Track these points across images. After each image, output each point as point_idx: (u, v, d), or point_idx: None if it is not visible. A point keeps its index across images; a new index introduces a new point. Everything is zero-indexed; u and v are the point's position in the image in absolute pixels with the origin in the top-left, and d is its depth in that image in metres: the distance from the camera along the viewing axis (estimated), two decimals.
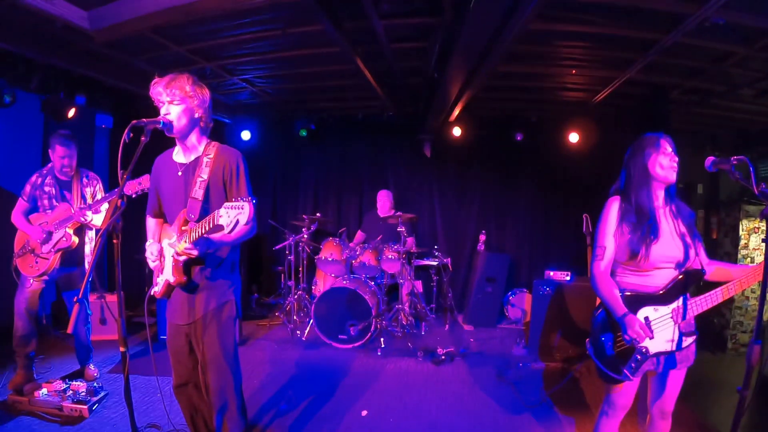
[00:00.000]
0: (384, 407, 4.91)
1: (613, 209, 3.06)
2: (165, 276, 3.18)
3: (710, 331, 6.84)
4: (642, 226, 2.91)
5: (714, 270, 3.05)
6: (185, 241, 2.93)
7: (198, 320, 3.18)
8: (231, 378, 3.26)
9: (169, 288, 3.20)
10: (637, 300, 2.94)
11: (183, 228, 3.01)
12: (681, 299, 2.90)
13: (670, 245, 2.92)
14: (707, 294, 2.88)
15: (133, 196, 3.57)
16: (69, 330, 2.31)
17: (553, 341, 6.26)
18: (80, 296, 2.38)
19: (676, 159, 2.95)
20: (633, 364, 2.89)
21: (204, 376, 3.23)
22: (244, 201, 2.58)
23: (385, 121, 9.11)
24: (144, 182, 3.60)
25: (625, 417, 3.21)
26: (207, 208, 3.01)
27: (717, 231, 7.76)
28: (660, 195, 3.03)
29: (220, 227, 2.62)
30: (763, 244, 3.64)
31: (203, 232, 2.83)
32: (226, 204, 2.60)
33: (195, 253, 2.95)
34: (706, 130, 8.47)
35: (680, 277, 2.92)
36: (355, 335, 6.61)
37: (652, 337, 2.86)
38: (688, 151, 7.96)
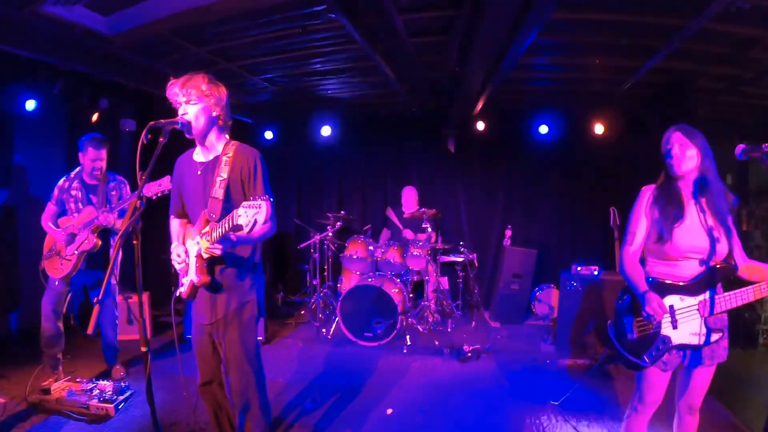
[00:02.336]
0: (410, 405, 4.88)
1: (645, 196, 3.08)
2: (189, 276, 3.18)
3: (741, 326, 6.69)
4: (668, 209, 2.93)
5: (750, 268, 2.97)
6: (207, 240, 2.94)
7: (220, 320, 3.18)
8: (253, 377, 3.27)
9: (193, 288, 3.20)
10: (663, 287, 2.94)
11: (204, 228, 3.00)
12: (708, 293, 2.86)
13: (697, 236, 2.88)
14: (738, 291, 2.83)
15: (153, 198, 3.57)
16: (89, 331, 2.32)
17: (582, 337, 6.18)
18: (100, 298, 2.38)
19: (676, 152, 2.93)
20: (654, 352, 2.90)
21: (226, 375, 3.25)
22: (261, 200, 2.58)
23: (408, 117, 9.07)
24: (164, 184, 3.60)
25: (655, 416, 3.17)
26: (228, 207, 3.00)
27: (747, 223, 7.59)
28: (689, 185, 2.99)
29: (239, 227, 2.62)
30: None
31: (224, 231, 2.83)
32: (244, 203, 2.60)
33: (218, 251, 2.95)
34: (734, 118, 8.29)
35: (709, 269, 2.87)
36: (381, 333, 6.59)
37: (675, 327, 2.86)
38: (716, 140, 7.82)
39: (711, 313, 2.84)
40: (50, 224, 4.96)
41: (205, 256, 3.00)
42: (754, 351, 6.35)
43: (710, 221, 2.91)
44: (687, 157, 2.89)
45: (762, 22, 4.67)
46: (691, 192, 2.98)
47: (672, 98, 6.93)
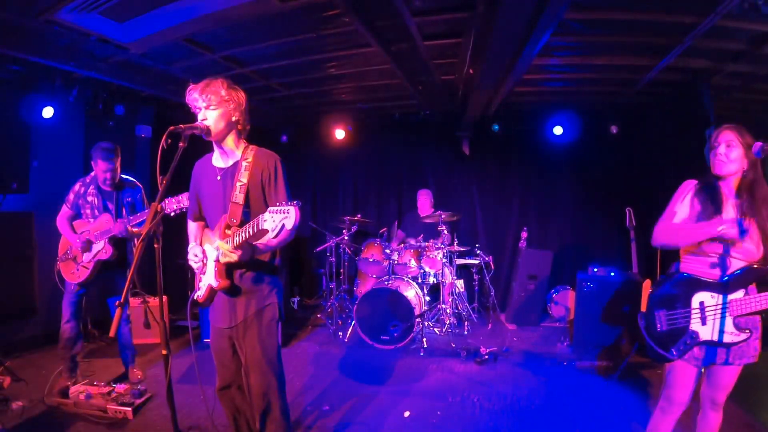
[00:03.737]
0: (427, 408, 4.87)
1: (687, 188, 3.11)
2: (207, 280, 3.19)
3: (763, 326, 6.59)
4: (706, 207, 2.94)
5: None
6: (229, 245, 2.95)
7: (240, 323, 3.19)
8: (274, 380, 3.26)
9: (211, 292, 3.21)
10: (696, 284, 2.95)
11: (227, 232, 3.01)
12: (742, 292, 2.85)
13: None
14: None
15: (172, 215, 3.58)
16: (111, 334, 2.34)
17: (598, 339, 6.15)
18: (122, 300, 2.40)
19: (721, 152, 2.90)
20: (682, 346, 2.92)
21: (247, 378, 3.24)
22: (289, 205, 2.61)
23: (422, 120, 9.08)
24: (182, 201, 3.61)
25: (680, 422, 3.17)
26: (248, 212, 3.02)
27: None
28: (731, 185, 2.98)
29: (265, 231, 2.64)
30: None
31: (247, 236, 2.85)
32: (271, 208, 2.64)
33: (236, 257, 2.96)
34: (750, 116, 8.21)
35: (743, 269, 2.86)
36: (398, 336, 6.58)
37: (704, 323, 2.88)
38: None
39: (742, 312, 2.83)
40: (67, 228, 5.00)
41: (223, 260, 3.01)
42: None
43: (750, 223, 2.88)
44: (731, 159, 2.87)
45: None
46: (733, 192, 2.97)
47: (687, 97, 6.88)
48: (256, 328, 3.19)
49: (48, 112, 6.23)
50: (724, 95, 7.03)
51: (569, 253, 8.81)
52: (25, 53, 5.02)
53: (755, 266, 2.84)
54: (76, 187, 5.04)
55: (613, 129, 8.18)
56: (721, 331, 2.86)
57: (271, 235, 2.64)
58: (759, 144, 2.66)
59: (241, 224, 2.94)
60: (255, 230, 2.76)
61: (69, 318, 4.94)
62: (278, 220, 2.60)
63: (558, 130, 8.41)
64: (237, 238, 2.90)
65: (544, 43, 4.60)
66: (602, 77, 6.85)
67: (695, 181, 3.09)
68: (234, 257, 2.95)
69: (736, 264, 2.87)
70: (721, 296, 2.87)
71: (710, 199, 2.94)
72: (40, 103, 6.17)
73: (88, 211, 5.00)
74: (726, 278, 2.87)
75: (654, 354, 3.04)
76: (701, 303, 2.90)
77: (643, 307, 6.08)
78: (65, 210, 5.03)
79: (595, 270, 6.46)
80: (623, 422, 4.56)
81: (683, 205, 3.06)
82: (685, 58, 5.71)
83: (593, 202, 8.79)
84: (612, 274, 6.38)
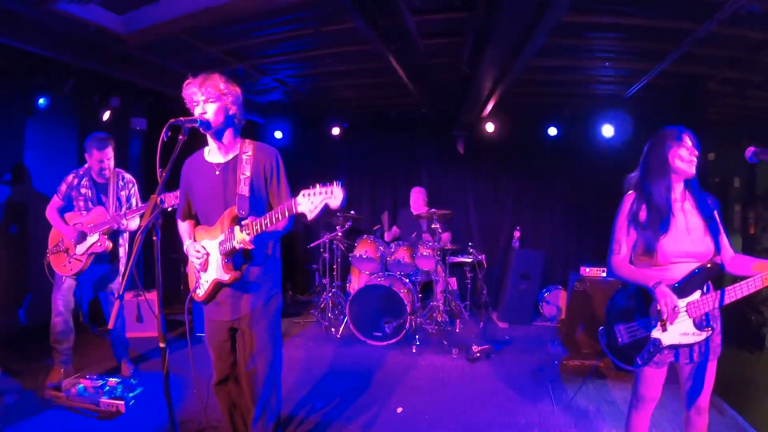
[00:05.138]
0: (419, 404, 4.89)
1: (626, 205, 3.09)
2: (211, 276, 3.20)
3: (748, 329, 6.67)
4: (653, 222, 2.92)
5: (737, 263, 2.96)
6: (246, 233, 2.95)
7: (250, 312, 3.22)
8: (276, 369, 3.38)
9: (216, 288, 3.22)
10: (650, 293, 2.93)
11: (245, 222, 3.00)
12: (698, 293, 2.87)
13: (685, 240, 2.89)
14: (731, 287, 2.81)
15: (169, 209, 3.59)
16: (110, 326, 2.35)
17: (589, 338, 6.18)
18: (121, 292, 2.41)
19: (696, 153, 2.92)
20: (645, 355, 2.92)
21: (250, 368, 3.27)
22: (330, 186, 2.69)
23: (419, 118, 9.10)
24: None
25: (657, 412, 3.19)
26: (253, 203, 3.06)
27: (754, 226, 7.57)
28: (678, 188, 3.00)
29: (302, 215, 2.72)
30: None
31: (273, 222, 2.90)
32: (304, 191, 2.70)
33: (251, 245, 2.98)
34: (744, 122, 8.28)
35: (696, 270, 2.88)
36: (390, 332, 6.60)
37: (665, 329, 2.88)
38: (725, 144, 7.80)
39: (702, 312, 2.85)
40: (58, 219, 4.95)
41: (238, 246, 3.01)
42: (761, 353, 6.34)
43: (699, 221, 2.93)
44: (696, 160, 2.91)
45: None
46: (682, 192, 3.00)
47: (681, 102, 6.93)
48: (265, 318, 3.26)
49: (42, 102, 6.21)
50: (718, 101, 7.09)
51: (561, 253, 8.88)
52: (23, 43, 4.99)
53: (707, 266, 2.87)
54: (69, 178, 4.98)
55: (608, 131, 8.22)
56: (684, 334, 2.87)
57: (310, 216, 2.71)
58: (752, 149, 2.69)
59: (250, 214, 3.00)
60: (285, 215, 2.83)
61: (60, 311, 4.92)
62: (317, 201, 2.67)
63: (553, 131, 8.46)
64: (258, 226, 2.93)
65: (542, 44, 4.62)
66: (598, 80, 6.90)
67: (633, 194, 3.10)
68: (250, 245, 2.97)
69: (690, 266, 2.89)
70: (678, 300, 2.86)
71: (659, 209, 2.93)
72: (35, 93, 6.15)
73: (81, 203, 4.96)
74: (678, 283, 2.88)
75: (617, 368, 3.07)
76: (660, 311, 2.87)
77: None
78: (56, 201, 4.97)
79: (587, 270, 6.49)
80: (614, 418, 4.59)
81: (626, 231, 3.04)
82: (680, 64, 5.75)
83: (586, 203, 8.84)
84: (603, 274, 6.41)
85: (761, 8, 4.15)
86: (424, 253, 7.05)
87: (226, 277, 3.13)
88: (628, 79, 6.63)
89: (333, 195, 2.65)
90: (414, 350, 6.43)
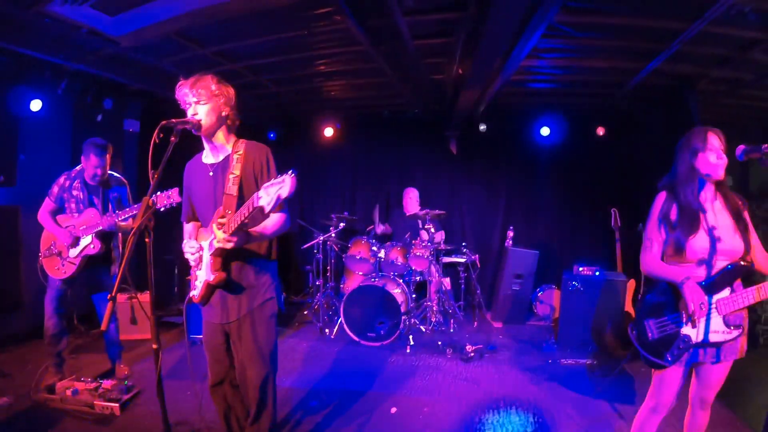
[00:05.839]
0: (413, 404, 4.91)
1: (658, 204, 3.10)
2: (203, 276, 3.20)
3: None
4: (683, 222, 2.94)
5: (764, 261, 3.00)
6: (224, 232, 2.94)
7: (239, 318, 3.21)
8: (271, 374, 3.35)
9: (208, 289, 3.22)
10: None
11: (221, 220, 2.99)
12: (728, 291, 2.89)
13: (714, 238, 2.90)
14: (747, 290, 2.85)
15: (161, 209, 3.59)
16: (103, 327, 2.35)
17: (583, 337, 6.21)
18: (113, 294, 2.41)
19: (723, 155, 2.91)
20: (675, 351, 2.95)
21: (243, 372, 3.28)
22: (283, 176, 2.62)
23: (411, 119, 9.12)
24: (173, 196, 3.62)
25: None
26: (242, 203, 3.03)
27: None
28: (709, 189, 3.00)
29: (261, 209, 2.67)
30: None
31: (242, 219, 2.86)
32: (265, 184, 2.66)
33: (231, 244, 2.96)
34: (736, 121, 8.33)
35: (727, 268, 2.90)
36: (384, 333, 6.62)
37: (695, 326, 2.91)
38: None
39: (730, 310, 2.87)
40: (51, 222, 4.92)
41: (218, 245, 3.00)
42: (755, 351, 6.37)
43: (729, 220, 2.94)
44: (725, 164, 2.91)
45: (762, 24, 4.70)
46: (714, 193, 3.01)
47: (673, 101, 6.97)
48: (257, 322, 3.24)
49: (36, 104, 6.19)
50: (710, 100, 7.12)
51: (555, 253, 8.90)
52: (15, 45, 4.99)
53: (738, 264, 2.88)
54: (61, 180, 4.96)
55: (600, 131, 8.28)
56: (709, 331, 2.89)
57: (267, 209, 2.65)
58: (742, 147, 2.72)
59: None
60: (250, 209, 2.78)
61: (52, 314, 4.90)
62: (273, 192, 2.61)
63: (545, 131, 8.52)
64: (233, 223, 2.90)
65: (533, 45, 4.64)
66: (590, 80, 6.93)
67: (665, 194, 3.10)
68: (229, 244, 2.95)
69: (720, 264, 2.91)
70: (706, 297, 2.91)
71: (690, 208, 2.95)
72: (28, 95, 6.13)
73: (73, 206, 4.94)
74: (707, 281, 2.91)
75: (649, 362, 3.08)
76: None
77: (628, 307, 6.16)
78: (48, 203, 4.95)
79: (581, 269, 6.52)
80: (606, 416, 4.63)
81: (657, 230, 3.08)
82: (671, 63, 5.78)
83: (579, 202, 8.90)
84: (597, 273, 6.44)
85: (751, 7, 4.18)
86: (418, 254, 7.06)
87: (212, 278, 3.12)
88: (620, 79, 6.65)
89: (284, 184, 2.60)
90: (408, 350, 6.45)
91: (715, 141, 2.92)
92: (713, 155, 2.90)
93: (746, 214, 2.98)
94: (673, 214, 3.00)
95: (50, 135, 6.67)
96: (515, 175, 9.18)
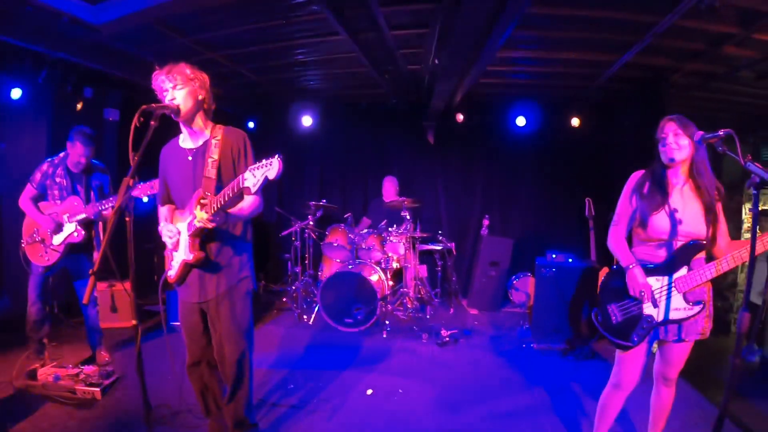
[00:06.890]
0: (389, 386, 5.02)
1: (632, 180, 3.26)
2: (180, 257, 3.28)
3: (713, 314, 6.83)
4: (651, 196, 3.09)
5: (730, 248, 3.07)
6: (206, 212, 3.03)
7: (217, 296, 3.31)
8: (247, 350, 3.45)
9: (185, 269, 3.29)
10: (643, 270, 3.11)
11: (203, 201, 3.08)
12: (685, 269, 3.02)
13: (676, 220, 3.02)
14: (708, 265, 2.97)
15: (144, 199, 3.66)
16: (84, 301, 2.40)
17: (556, 322, 6.33)
18: (95, 269, 2.48)
19: (670, 141, 3.01)
20: (641, 332, 3.09)
21: (220, 349, 3.36)
22: (271, 158, 2.77)
23: (389, 109, 9.16)
24: (155, 187, 3.69)
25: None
26: (220, 186, 3.12)
27: None
28: (678, 173, 3.11)
29: (246, 190, 2.80)
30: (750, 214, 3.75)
31: (225, 200, 2.97)
32: (251, 167, 2.81)
33: (213, 223, 3.06)
34: (708, 114, 8.48)
35: (680, 247, 3.03)
36: (361, 319, 6.72)
37: (656, 305, 3.07)
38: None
39: (688, 287, 3.00)
40: (33, 208, 4.95)
41: (198, 225, 3.08)
42: (726, 338, 6.55)
43: (696, 205, 3.04)
44: (681, 146, 2.99)
45: (733, 19, 4.84)
46: (680, 180, 3.11)
47: (646, 93, 7.11)
48: (234, 300, 3.34)
49: (16, 93, 6.19)
50: (683, 93, 7.26)
51: (530, 241, 8.98)
52: None
53: (692, 242, 3.01)
54: (44, 167, 4.98)
55: (575, 121, 8.41)
56: (669, 309, 3.04)
57: (253, 190, 2.78)
58: (700, 133, 2.84)
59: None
60: (235, 191, 2.89)
61: (35, 300, 4.97)
62: (259, 174, 2.76)
63: (521, 121, 8.62)
64: (215, 204, 3.00)
65: (507, 36, 4.72)
66: (564, 71, 7.02)
67: (642, 172, 3.25)
68: (211, 223, 3.05)
69: (678, 245, 3.05)
70: (666, 277, 3.04)
71: (655, 190, 3.09)
72: (8, 83, 6.13)
73: (56, 192, 4.97)
74: (666, 260, 3.06)
75: (616, 345, 3.22)
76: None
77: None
78: (29, 189, 4.97)
79: (554, 256, 6.62)
80: (578, 397, 4.78)
81: (627, 204, 3.24)
82: (645, 56, 5.90)
83: (554, 191, 9.05)
84: (570, 260, 6.54)
85: (720, 3, 4.29)
86: (394, 241, 7.16)
87: (190, 257, 3.20)
88: (594, 71, 6.76)
89: (271, 166, 2.76)
90: (385, 335, 6.57)
91: (667, 128, 3.04)
92: (663, 140, 3.04)
93: (718, 203, 3.07)
94: (646, 188, 3.14)
95: (30, 123, 6.65)
96: (492, 165, 9.28)
